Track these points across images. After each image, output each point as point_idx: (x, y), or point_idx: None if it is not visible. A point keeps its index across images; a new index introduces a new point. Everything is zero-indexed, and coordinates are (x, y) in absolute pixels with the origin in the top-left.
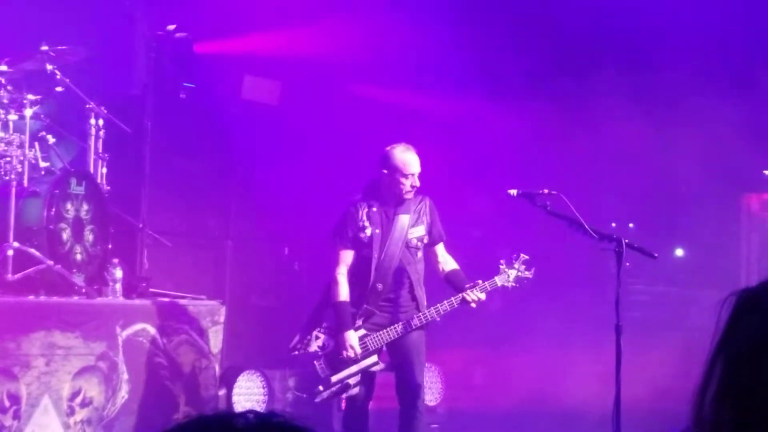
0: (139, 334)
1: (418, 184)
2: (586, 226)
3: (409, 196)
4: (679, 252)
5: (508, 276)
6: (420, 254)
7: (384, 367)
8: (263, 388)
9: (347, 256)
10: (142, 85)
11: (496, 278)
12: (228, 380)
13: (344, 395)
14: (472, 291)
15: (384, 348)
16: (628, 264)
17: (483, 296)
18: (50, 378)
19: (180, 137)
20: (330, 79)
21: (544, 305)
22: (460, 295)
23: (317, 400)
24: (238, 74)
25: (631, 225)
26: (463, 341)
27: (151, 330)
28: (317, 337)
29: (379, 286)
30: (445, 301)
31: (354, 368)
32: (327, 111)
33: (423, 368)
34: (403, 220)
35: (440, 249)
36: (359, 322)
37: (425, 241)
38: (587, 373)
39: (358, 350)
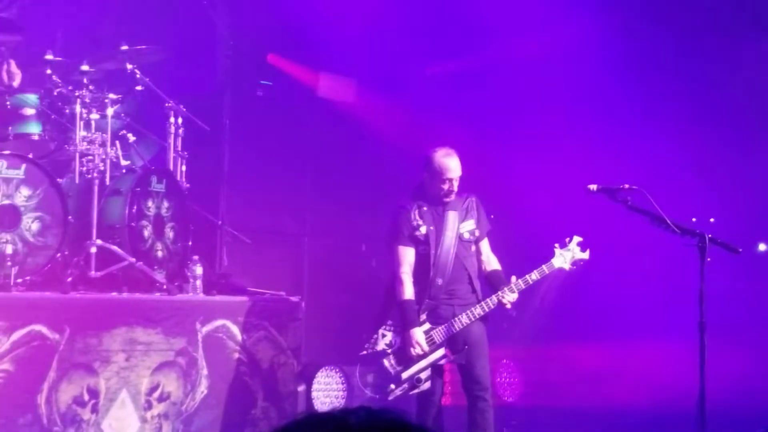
0: (218, 330)
1: (455, 189)
2: (669, 222)
3: (449, 198)
4: (762, 247)
5: (564, 258)
6: (473, 248)
7: (451, 359)
8: (342, 384)
9: (408, 254)
10: (221, 84)
11: (552, 261)
12: (307, 376)
13: (416, 391)
14: (506, 292)
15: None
16: (709, 259)
17: (515, 296)
18: (129, 373)
19: (257, 135)
20: (406, 76)
21: (623, 301)
22: (495, 296)
23: (390, 398)
24: (314, 72)
25: (711, 219)
26: (540, 336)
27: (231, 326)
28: (384, 335)
29: (439, 280)
30: (488, 300)
31: (423, 363)
32: (402, 107)
33: (487, 361)
34: (453, 216)
35: (484, 246)
36: (423, 317)
37: (476, 234)
38: (669, 370)
39: (425, 346)
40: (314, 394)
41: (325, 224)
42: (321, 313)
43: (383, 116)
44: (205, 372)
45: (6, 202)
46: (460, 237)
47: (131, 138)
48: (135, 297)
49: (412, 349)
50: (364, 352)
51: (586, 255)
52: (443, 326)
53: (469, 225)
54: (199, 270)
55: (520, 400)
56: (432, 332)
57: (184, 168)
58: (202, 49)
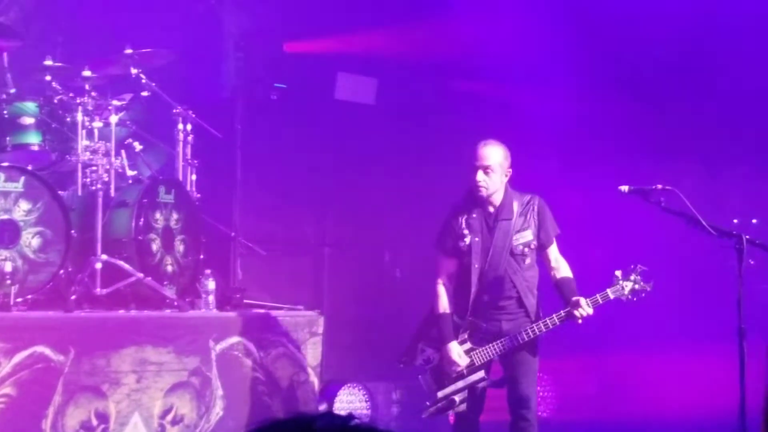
0: (233, 348)
1: (483, 182)
2: (704, 223)
3: (481, 193)
4: None
5: (623, 288)
6: (528, 260)
7: (491, 383)
8: (366, 401)
9: (447, 265)
10: (232, 88)
11: (608, 290)
12: (329, 394)
13: (451, 411)
14: (579, 308)
15: (493, 362)
16: (752, 262)
17: (590, 311)
18: (141, 395)
19: (272, 141)
20: (429, 76)
21: (658, 307)
22: (563, 312)
23: (424, 415)
24: (332, 73)
25: (754, 221)
26: (575, 348)
27: (247, 343)
28: (423, 350)
29: (485, 296)
30: (553, 315)
31: (460, 384)
32: (426, 109)
33: (534, 380)
34: (506, 225)
35: (552, 253)
36: (465, 335)
37: (533, 246)
38: (709, 379)
39: (462, 364)
40: (337, 413)
41: (346, 233)
42: (343, 328)
43: (406, 119)
44: (220, 392)
45: (5, 217)
46: (512, 250)
47: (137, 146)
48: (144, 315)
49: (448, 367)
50: (401, 365)
51: (648, 287)
52: (486, 347)
53: (525, 236)
54: (211, 285)
55: (555, 415)
56: (473, 353)
57: (194, 177)
58: (212, 51)
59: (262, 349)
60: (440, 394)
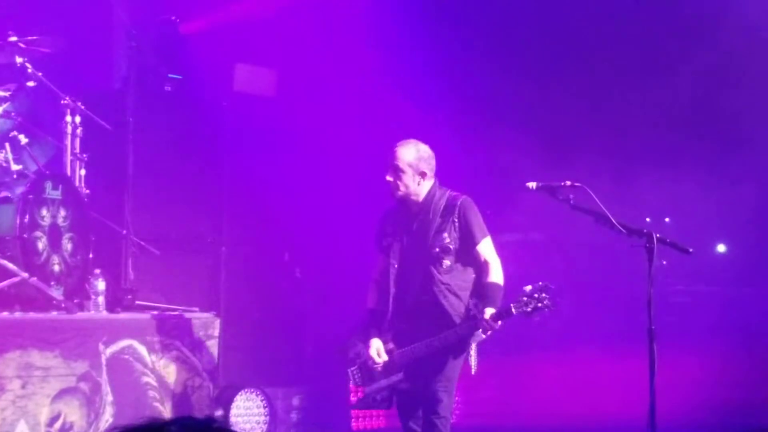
0: (124, 352)
1: (393, 182)
2: (614, 221)
3: (396, 194)
4: (722, 248)
5: (527, 305)
6: (447, 262)
7: (410, 386)
8: (264, 408)
9: (378, 263)
10: (123, 78)
11: (512, 306)
12: (225, 400)
13: (372, 408)
14: (484, 323)
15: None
16: (665, 262)
17: (496, 327)
18: (27, 402)
19: (166, 134)
20: (332, 68)
21: (567, 308)
22: (471, 323)
23: (362, 407)
24: (230, 63)
25: (667, 219)
26: (480, 350)
27: (138, 347)
28: (354, 344)
29: (405, 297)
30: (463, 325)
31: (383, 383)
32: (328, 103)
33: (446, 385)
34: (425, 226)
35: (477, 256)
36: (388, 335)
37: (451, 248)
38: (617, 382)
39: (378, 361)
40: (233, 419)
41: (244, 231)
42: (240, 330)
43: (308, 111)
44: (110, 398)
45: None
46: (429, 251)
47: (23, 139)
48: (29, 317)
49: (370, 363)
50: (337, 354)
51: (552, 307)
52: (407, 348)
53: (443, 238)
54: (101, 285)
55: (461, 420)
56: (394, 353)
57: (83, 172)
58: (102, 39)
59: (154, 352)
60: (367, 390)
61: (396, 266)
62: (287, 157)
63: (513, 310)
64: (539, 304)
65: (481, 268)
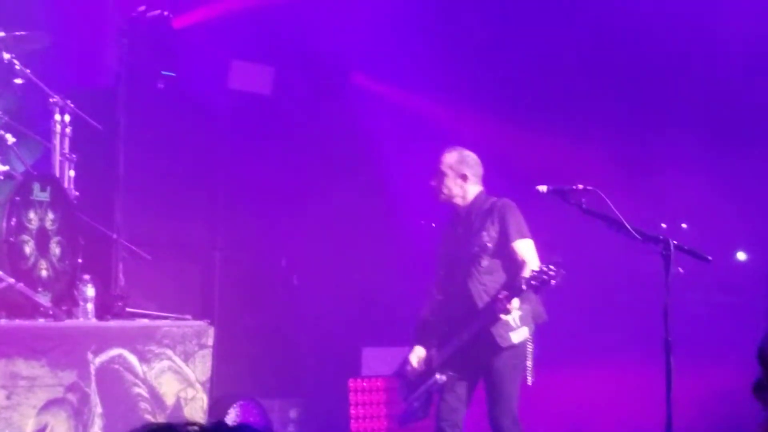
0: (114, 361)
1: (437, 187)
2: (628, 226)
3: (439, 198)
4: (742, 256)
5: (535, 279)
6: (485, 263)
7: (444, 381)
8: (260, 420)
9: (437, 269)
10: (114, 75)
11: (521, 281)
12: (219, 412)
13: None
14: (498, 302)
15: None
16: (682, 270)
17: (510, 306)
18: (11, 413)
19: (159, 134)
20: (330, 65)
21: (583, 317)
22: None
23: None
24: (225, 60)
25: (684, 225)
26: None
27: (129, 356)
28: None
29: (450, 303)
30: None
31: (422, 389)
32: (326, 102)
33: (498, 395)
34: (466, 230)
35: (513, 254)
36: (437, 342)
37: (488, 248)
38: (633, 394)
39: (416, 366)
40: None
41: (239, 236)
42: (235, 339)
43: (306, 111)
44: (99, 410)
45: None
46: (467, 254)
47: (10, 139)
48: (15, 324)
49: (410, 370)
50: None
51: (556, 277)
52: (447, 351)
53: (482, 238)
54: (90, 291)
55: None
56: (434, 357)
57: (72, 173)
58: (93, 35)
59: (145, 362)
60: (407, 400)
61: (442, 272)
62: (285, 158)
63: (522, 284)
64: (545, 277)
65: (517, 267)
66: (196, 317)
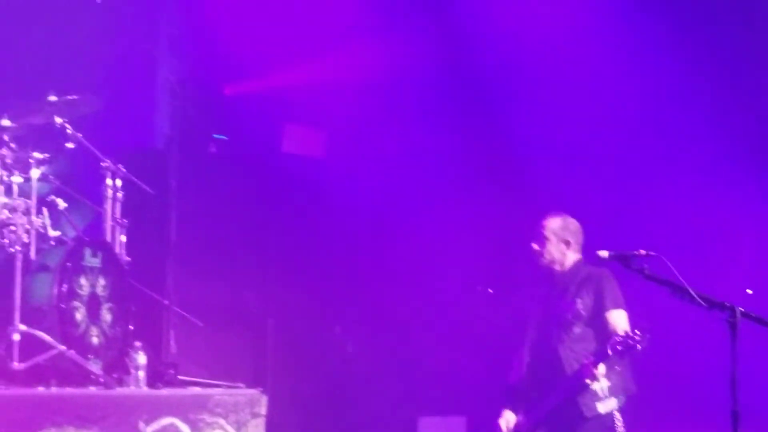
0: (166, 431)
1: (536, 247)
2: (693, 293)
3: (540, 262)
4: None
5: (620, 344)
6: (577, 330)
7: None
8: None
9: (528, 332)
10: (166, 139)
11: (607, 346)
12: None
13: None
14: (586, 367)
15: None
16: (745, 339)
17: (597, 372)
18: None
19: (210, 198)
20: (382, 128)
21: (647, 385)
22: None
23: None
24: (277, 123)
25: (749, 291)
26: None
27: (181, 425)
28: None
29: (536, 366)
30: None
31: None
32: (379, 164)
33: None
34: (562, 295)
35: (605, 324)
36: (523, 406)
37: (581, 315)
38: None
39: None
40: None
41: (292, 303)
42: (288, 408)
43: (358, 176)
44: None
45: None
46: (557, 319)
47: (61, 204)
48: (66, 392)
49: None
50: None
51: (641, 343)
52: (530, 415)
53: (576, 305)
54: (141, 359)
55: None
56: (522, 424)
57: (123, 238)
58: (144, 98)
59: (197, 431)
60: None
61: (533, 337)
62: (338, 223)
63: (608, 349)
64: (630, 342)
65: (608, 332)
66: (248, 385)
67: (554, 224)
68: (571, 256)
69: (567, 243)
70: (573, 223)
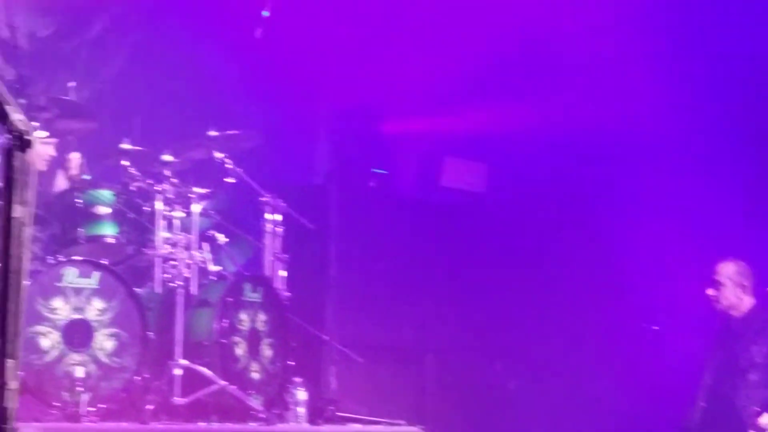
0: None
1: (711, 291)
2: None
3: (718, 306)
4: None
5: None
6: (754, 377)
7: None
8: None
9: (705, 376)
10: (326, 173)
11: None
12: None
13: None
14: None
15: None
16: None
17: (761, 422)
18: None
19: (370, 232)
20: (541, 158)
21: None
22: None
23: None
24: (437, 157)
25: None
26: None
27: None
28: None
29: (711, 411)
30: None
31: None
32: (541, 197)
33: None
34: (738, 340)
35: None
36: None
37: (759, 361)
38: None
39: None
40: None
41: (452, 338)
42: None
43: (520, 210)
44: None
45: (76, 316)
46: (736, 364)
47: (221, 239)
48: (227, 428)
49: None
50: None
51: None
52: None
53: (753, 352)
54: (302, 395)
55: None
56: None
57: (283, 273)
58: (304, 133)
59: None
60: None
61: (709, 381)
62: (500, 257)
63: None
64: None
65: None
66: (408, 423)
67: (729, 270)
68: (747, 300)
69: (744, 287)
70: (744, 266)
